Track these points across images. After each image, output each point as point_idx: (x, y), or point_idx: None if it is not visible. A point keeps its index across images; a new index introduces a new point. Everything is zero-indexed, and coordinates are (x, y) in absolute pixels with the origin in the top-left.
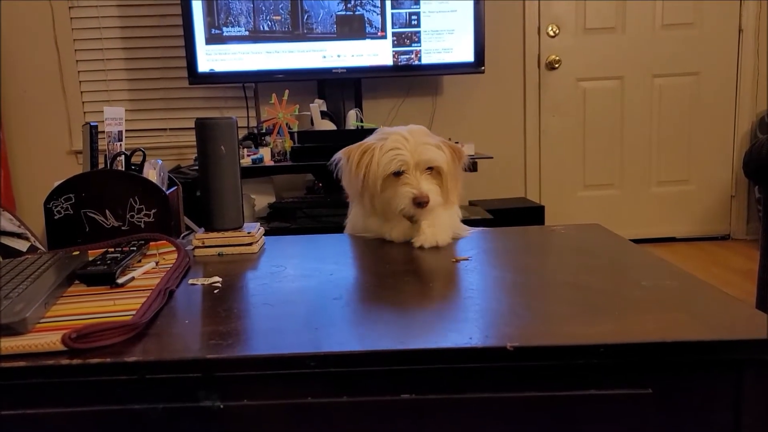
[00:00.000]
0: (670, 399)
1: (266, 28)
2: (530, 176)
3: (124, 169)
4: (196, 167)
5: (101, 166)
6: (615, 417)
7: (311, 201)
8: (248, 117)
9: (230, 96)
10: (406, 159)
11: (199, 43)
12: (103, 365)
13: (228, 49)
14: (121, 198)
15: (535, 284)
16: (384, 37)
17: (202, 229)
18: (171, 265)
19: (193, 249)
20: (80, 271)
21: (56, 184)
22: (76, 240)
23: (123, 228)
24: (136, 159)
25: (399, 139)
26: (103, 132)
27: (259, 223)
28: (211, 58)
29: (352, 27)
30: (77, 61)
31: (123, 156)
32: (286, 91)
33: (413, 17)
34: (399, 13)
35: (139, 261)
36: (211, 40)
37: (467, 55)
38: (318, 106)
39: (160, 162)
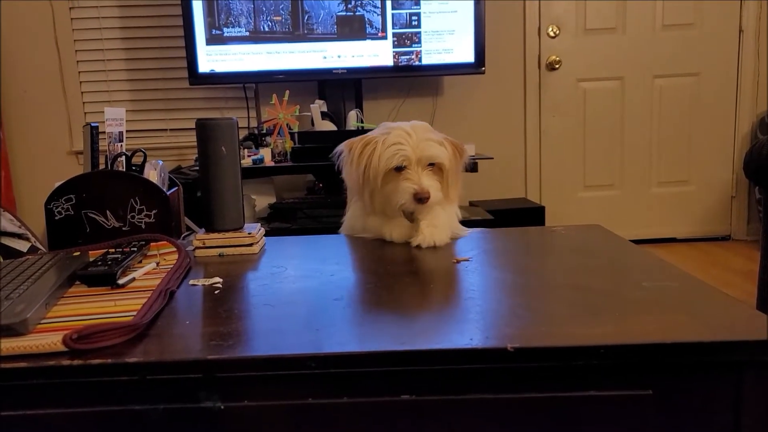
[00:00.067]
0: (670, 400)
1: (267, 29)
2: (530, 177)
3: (124, 169)
4: (197, 168)
5: (102, 166)
6: (615, 418)
7: (312, 201)
8: (249, 117)
9: (231, 96)
10: (408, 154)
11: (199, 44)
12: (104, 366)
13: (228, 49)
14: (121, 199)
15: (536, 285)
16: (384, 37)
17: (203, 229)
18: (172, 266)
19: (194, 250)
20: (81, 271)
21: (57, 184)
22: (76, 241)
23: (124, 229)
24: (137, 160)
25: (402, 134)
26: (104, 132)
27: (259, 224)
28: (212, 59)
29: (352, 27)
30: (78, 61)
31: (124, 157)
32: (287, 92)
33: (413, 18)
34: (399, 13)
35: (140, 262)
36: (211, 40)
37: (467, 56)
38: (318, 106)
39: (160, 163)
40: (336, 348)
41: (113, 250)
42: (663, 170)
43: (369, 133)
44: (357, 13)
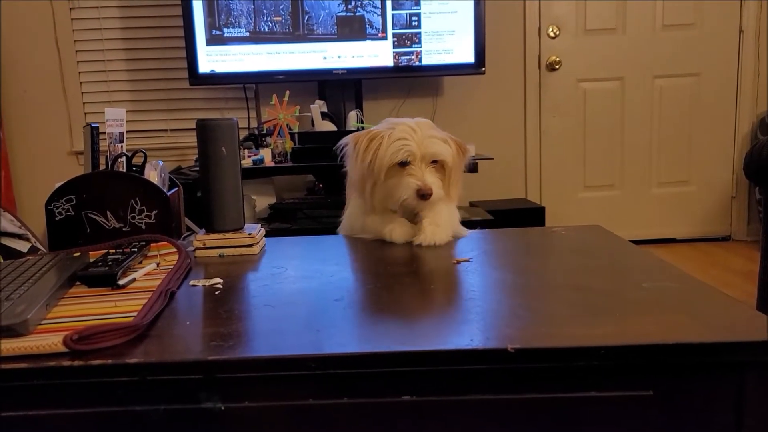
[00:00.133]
0: (671, 401)
1: (267, 29)
2: (531, 177)
3: (125, 170)
4: (197, 168)
5: (102, 167)
6: (616, 419)
7: (312, 202)
8: (249, 118)
9: (231, 97)
10: (413, 150)
11: (199, 44)
12: (104, 367)
13: (229, 50)
14: (122, 199)
15: (536, 286)
16: (384, 38)
17: (203, 230)
18: (172, 267)
19: (194, 250)
20: (81, 272)
21: (57, 185)
22: (77, 241)
23: (124, 229)
24: (137, 160)
25: (407, 130)
26: (104, 133)
27: (259, 224)
28: (212, 59)
29: (352, 28)
30: (78, 61)
31: (124, 157)
32: (287, 92)
33: (414, 18)
34: (399, 14)
35: (140, 262)
36: (211, 41)
37: (468, 56)
38: (318, 107)
39: (161, 163)
40: (336, 349)
41: (114, 250)
42: (663, 171)
43: (374, 128)
44: (357, 14)
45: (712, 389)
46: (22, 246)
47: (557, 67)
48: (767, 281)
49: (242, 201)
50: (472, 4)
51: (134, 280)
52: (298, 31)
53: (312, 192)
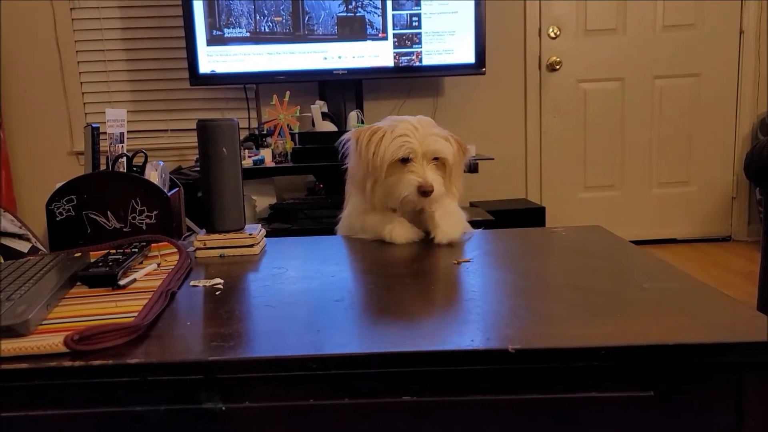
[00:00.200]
0: (671, 401)
1: (267, 30)
2: (531, 177)
3: (125, 170)
4: (197, 168)
5: (103, 167)
6: (616, 420)
7: (312, 202)
8: (249, 118)
9: (231, 97)
10: (415, 147)
11: (200, 45)
12: (105, 367)
13: (229, 50)
14: (122, 199)
15: (536, 286)
16: (385, 38)
17: (204, 230)
18: (172, 267)
19: (195, 250)
20: (82, 272)
21: (58, 185)
22: (77, 241)
23: (125, 229)
24: (138, 160)
25: (408, 127)
26: (105, 133)
27: (260, 225)
28: (213, 60)
29: (353, 28)
30: (78, 62)
31: (125, 157)
32: (287, 93)
33: (414, 19)
34: (400, 14)
35: (141, 263)
36: (212, 41)
37: (468, 57)
38: (319, 107)
39: (161, 163)
40: (337, 349)
41: (114, 251)
42: (663, 171)
43: (376, 124)
44: (357, 14)
45: (713, 390)
46: (23, 246)
47: (558, 67)
48: None
49: (243, 201)
50: (472, 4)
51: (135, 280)
52: (298, 32)
53: (312, 192)
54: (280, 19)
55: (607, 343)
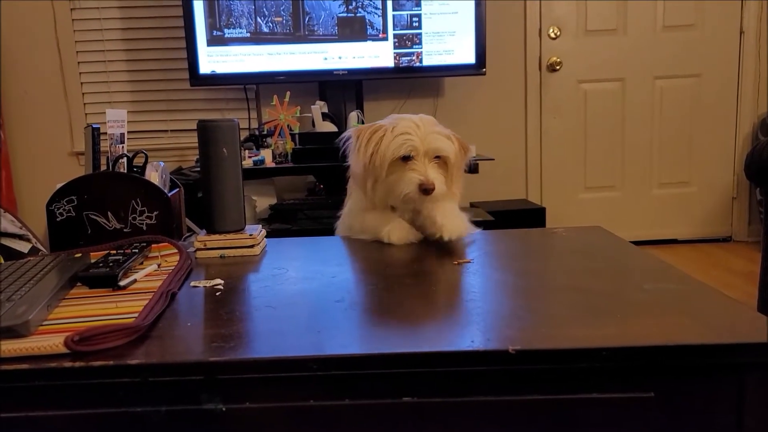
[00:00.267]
0: (672, 402)
1: (267, 30)
2: (531, 178)
3: (126, 171)
4: (198, 168)
5: (103, 168)
6: (617, 420)
7: (312, 202)
8: (249, 119)
9: (231, 98)
10: (416, 145)
11: (200, 45)
12: (105, 368)
13: (229, 50)
14: (123, 200)
15: (537, 287)
16: (385, 38)
17: (204, 231)
18: (173, 268)
19: (195, 251)
20: (82, 273)
21: (58, 186)
22: (78, 242)
23: (125, 230)
24: (138, 161)
25: (410, 125)
26: (105, 134)
27: (260, 225)
28: (213, 60)
29: (353, 29)
30: (79, 62)
31: (125, 158)
32: (288, 93)
33: (414, 19)
34: (400, 14)
35: (141, 263)
36: (212, 41)
37: (468, 57)
38: (319, 107)
39: (162, 164)
40: (337, 350)
41: (114, 251)
42: (664, 171)
43: (378, 122)
44: (358, 15)
45: (713, 391)
46: (23, 246)
47: (558, 67)
48: None
49: (243, 202)
50: (472, 4)
51: (135, 281)
52: (298, 32)
53: (313, 193)
54: (281, 19)
55: (607, 344)
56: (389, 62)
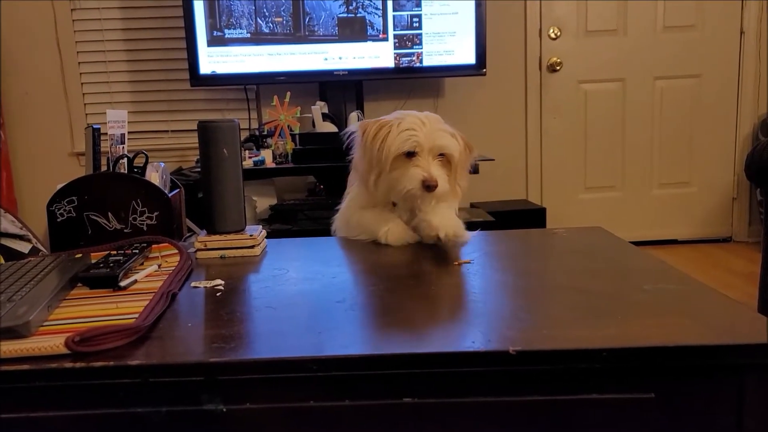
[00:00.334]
0: (672, 403)
1: (268, 30)
2: (531, 178)
3: (126, 171)
4: (198, 169)
5: (104, 168)
6: (617, 421)
7: (312, 203)
8: (250, 119)
9: (232, 98)
10: (421, 141)
11: (200, 45)
12: (106, 368)
13: (230, 51)
14: (123, 200)
15: (537, 288)
16: (385, 39)
17: (204, 231)
18: (173, 268)
19: (196, 252)
20: (83, 273)
21: (59, 186)
22: (78, 242)
23: (125, 231)
24: (139, 161)
25: (415, 122)
26: (106, 134)
27: (261, 226)
28: (213, 60)
29: (353, 29)
30: (79, 62)
31: (126, 158)
32: (288, 93)
33: (415, 19)
34: (400, 15)
35: (142, 264)
36: (212, 42)
37: (469, 58)
38: (319, 108)
39: (162, 164)
40: (338, 351)
41: (115, 252)
42: (664, 172)
43: (383, 117)
44: (358, 15)
45: (713, 392)
46: (23, 247)
47: (558, 68)
48: None
49: (243, 202)
50: (473, 5)
51: (136, 281)
52: (299, 33)
53: (313, 193)
54: (281, 19)
55: (607, 344)
56: (389, 63)
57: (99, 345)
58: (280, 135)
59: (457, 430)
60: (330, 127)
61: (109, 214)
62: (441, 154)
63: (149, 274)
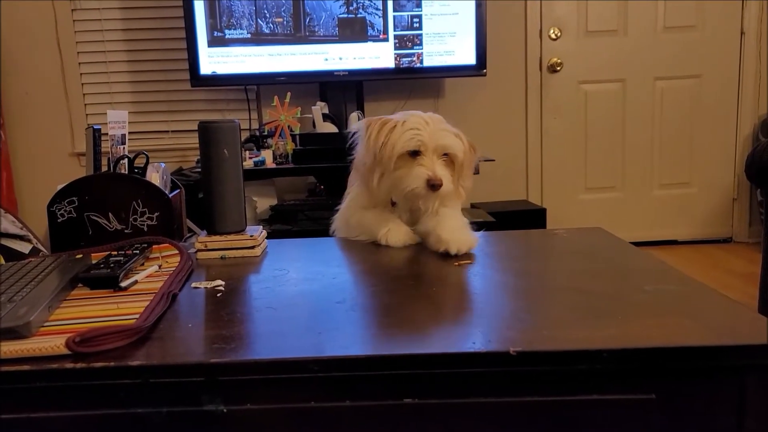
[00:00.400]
0: (673, 404)
1: (268, 31)
2: (532, 179)
3: (127, 172)
4: (198, 169)
5: (104, 168)
6: (618, 422)
7: (313, 203)
8: (250, 119)
9: (232, 98)
10: (425, 140)
11: (201, 46)
12: (106, 369)
13: (230, 51)
14: (124, 201)
15: (538, 288)
16: (386, 39)
17: (205, 231)
18: (174, 269)
19: (196, 252)
20: (83, 274)
21: (59, 187)
22: (79, 243)
23: (126, 231)
24: (139, 162)
25: (419, 121)
26: (106, 135)
27: (261, 226)
28: (214, 61)
29: (354, 29)
30: (79, 63)
31: (126, 159)
32: (288, 94)
33: (415, 20)
34: (401, 15)
35: (142, 264)
36: (213, 42)
37: (469, 58)
38: (320, 108)
39: (163, 165)
40: (338, 351)
41: (115, 252)
42: (664, 172)
43: (388, 116)
44: (358, 15)
45: (714, 392)
46: (24, 247)
47: (558, 68)
48: None
49: (244, 203)
50: (473, 5)
51: (136, 282)
52: (299, 33)
53: (313, 193)
54: (281, 20)
55: (608, 345)
56: (390, 63)
57: (99, 345)
58: (280, 135)
59: (458, 431)
60: (330, 128)
61: (110, 214)
62: (445, 155)
63: (150, 275)
